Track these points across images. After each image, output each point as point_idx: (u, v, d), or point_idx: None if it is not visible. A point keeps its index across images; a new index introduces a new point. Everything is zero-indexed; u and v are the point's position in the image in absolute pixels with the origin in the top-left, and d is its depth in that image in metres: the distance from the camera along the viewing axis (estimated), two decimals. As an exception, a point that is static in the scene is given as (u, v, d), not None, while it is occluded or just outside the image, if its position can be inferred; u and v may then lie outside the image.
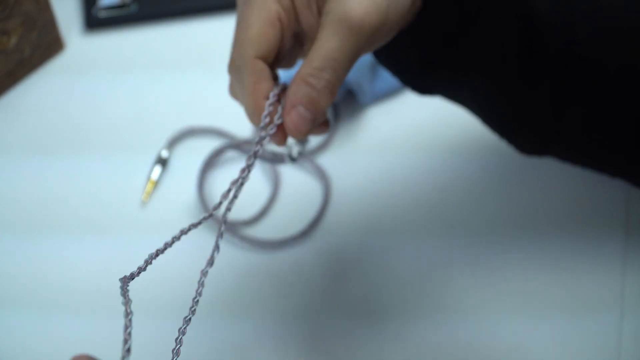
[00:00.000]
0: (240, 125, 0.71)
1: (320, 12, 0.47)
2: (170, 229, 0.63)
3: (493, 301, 0.64)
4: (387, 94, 0.73)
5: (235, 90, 0.49)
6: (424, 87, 0.52)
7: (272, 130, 0.46)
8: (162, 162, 0.70)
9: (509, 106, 0.50)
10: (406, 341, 0.63)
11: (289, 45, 0.48)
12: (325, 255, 0.66)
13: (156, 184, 0.70)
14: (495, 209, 0.68)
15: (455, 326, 0.64)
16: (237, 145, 0.70)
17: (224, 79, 0.74)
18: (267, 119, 0.46)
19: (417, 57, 0.50)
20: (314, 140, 0.71)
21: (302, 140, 0.52)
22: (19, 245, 0.68)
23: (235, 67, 0.47)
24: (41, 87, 0.75)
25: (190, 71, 0.76)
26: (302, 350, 0.63)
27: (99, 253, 0.67)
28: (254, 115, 0.47)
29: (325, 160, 0.70)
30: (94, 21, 0.78)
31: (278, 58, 0.48)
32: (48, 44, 0.75)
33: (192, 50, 0.77)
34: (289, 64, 0.50)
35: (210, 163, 0.69)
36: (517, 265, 0.66)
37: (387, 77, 0.73)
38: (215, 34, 0.78)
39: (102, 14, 0.78)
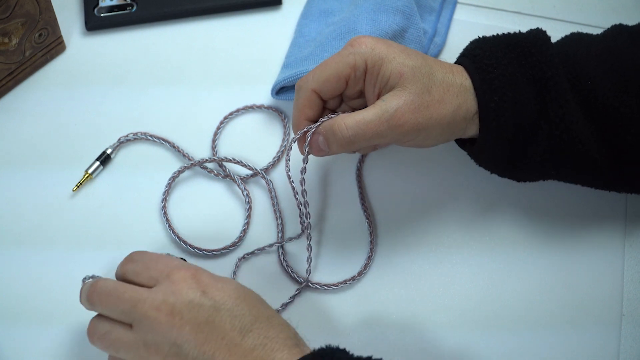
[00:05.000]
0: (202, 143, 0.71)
1: (379, 95, 0.60)
2: (91, 223, 0.65)
3: (492, 301, 0.65)
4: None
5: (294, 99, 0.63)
6: (517, 179, 0.65)
7: (294, 141, 0.63)
8: (105, 159, 0.71)
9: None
10: (398, 347, 0.63)
11: (342, 94, 0.63)
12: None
13: (92, 178, 0.70)
14: (494, 211, 0.68)
15: (455, 325, 0.64)
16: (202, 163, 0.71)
17: (223, 79, 0.75)
18: (299, 135, 0.62)
19: (501, 162, 0.63)
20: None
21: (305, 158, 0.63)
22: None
23: (299, 86, 0.62)
24: (42, 87, 0.75)
25: (190, 72, 0.76)
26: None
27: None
28: (294, 127, 0.63)
29: (328, 157, 0.71)
30: (95, 22, 0.78)
31: (330, 97, 0.62)
32: (49, 45, 0.75)
33: (191, 51, 0.77)
34: (334, 103, 0.64)
35: (173, 178, 0.70)
36: (516, 267, 0.66)
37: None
38: (214, 35, 0.78)
39: (103, 15, 0.78)
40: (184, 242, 0.67)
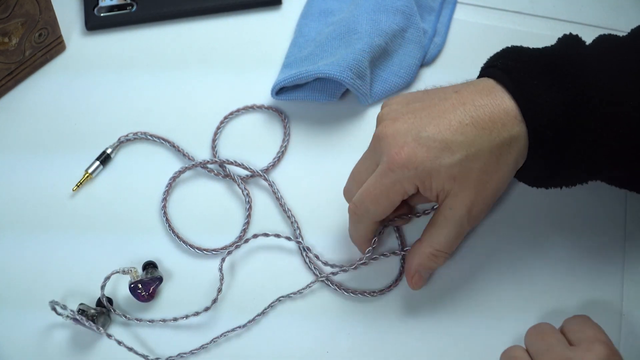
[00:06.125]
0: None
1: (438, 197, 0.59)
2: (92, 223, 0.65)
3: (492, 302, 0.65)
4: (386, 95, 0.74)
5: (351, 226, 0.64)
6: (550, 186, 0.62)
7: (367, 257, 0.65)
8: (105, 159, 0.71)
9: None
10: (415, 336, 0.63)
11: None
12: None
13: (92, 177, 0.70)
14: (501, 206, 0.68)
15: (453, 325, 0.64)
16: (202, 165, 0.71)
17: (223, 80, 0.75)
18: (368, 254, 0.65)
19: (540, 178, 0.61)
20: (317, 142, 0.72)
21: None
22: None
23: (357, 214, 0.61)
24: (42, 87, 0.75)
25: (190, 72, 0.76)
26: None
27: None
28: (359, 248, 0.65)
29: (327, 157, 0.71)
30: (95, 22, 0.78)
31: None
32: (49, 45, 0.75)
33: (192, 51, 0.77)
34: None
35: (174, 179, 0.70)
36: (516, 266, 0.66)
37: (385, 79, 0.73)
38: (214, 35, 0.78)
39: (103, 15, 0.78)
40: (184, 241, 0.67)
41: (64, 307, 0.62)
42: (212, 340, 0.63)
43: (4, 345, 0.63)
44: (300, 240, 0.67)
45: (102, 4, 0.78)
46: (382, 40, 0.72)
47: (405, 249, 0.66)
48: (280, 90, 0.73)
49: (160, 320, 0.64)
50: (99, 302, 0.64)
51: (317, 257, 0.66)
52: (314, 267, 0.66)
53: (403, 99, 0.61)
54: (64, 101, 0.75)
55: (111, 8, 0.78)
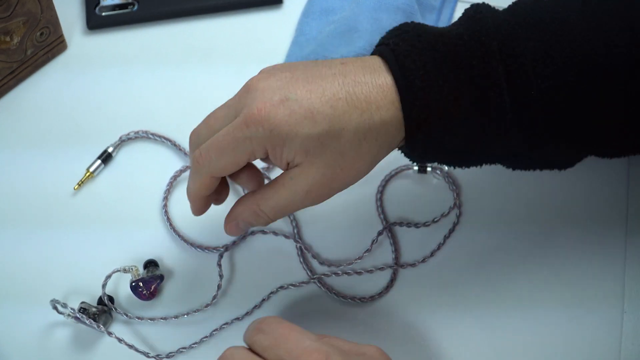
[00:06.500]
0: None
1: (287, 166, 0.55)
2: (93, 222, 0.65)
3: (495, 296, 0.65)
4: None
5: (191, 175, 0.59)
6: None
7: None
8: (106, 157, 0.71)
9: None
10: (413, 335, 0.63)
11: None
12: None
13: (93, 176, 0.70)
14: (498, 205, 0.68)
15: (455, 320, 0.64)
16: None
17: (224, 79, 0.76)
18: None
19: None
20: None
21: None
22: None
23: (195, 168, 0.57)
24: (43, 86, 0.75)
25: (191, 71, 0.76)
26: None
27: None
28: (192, 204, 0.60)
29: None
30: (96, 21, 0.78)
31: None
32: (50, 44, 0.75)
33: (193, 50, 0.78)
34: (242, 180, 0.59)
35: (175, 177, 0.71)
36: (518, 262, 0.66)
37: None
38: (215, 34, 0.78)
39: (104, 14, 0.78)
40: (185, 240, 0.67)
41: (65, 306, 0.62)
42: (211, 332, 0.63)
43: (5, 343, 0.63)
44: (297, 238, 0.67)
45: (103, 3, 0.78)
46: (383, 38, 0.72)
47: (400, 263, 0.66)
48: (281, 89, 0.73)
49: (161, 318, 0.64)
50: (100, 301, 0.64)
51: (314, 256, 0.66)
52: (307, 268, 0.66)
53: (293, 62, 0.57)
54: (65, 100, 0.75)
55: (113, 7, 0.79)
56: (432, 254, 0.66)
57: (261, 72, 0.56)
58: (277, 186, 0.56)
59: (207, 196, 0.59)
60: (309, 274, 0.66)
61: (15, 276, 0.66)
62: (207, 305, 0.64)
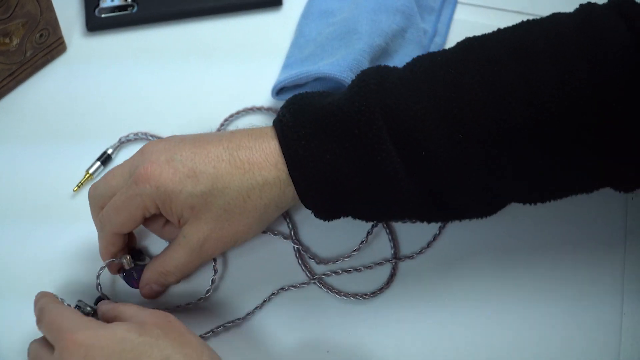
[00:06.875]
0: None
1: (179, 222, 0.60)
2: (91, 224, 0.64)
3: (489, 303, 0.65)
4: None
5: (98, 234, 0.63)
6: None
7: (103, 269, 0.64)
8: (105, 159, 0.71)
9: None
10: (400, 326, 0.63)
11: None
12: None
13: (93, 178, 0.70)
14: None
15: (454, 315, 0.64)
16: None
17: (224, 81, 0.76)
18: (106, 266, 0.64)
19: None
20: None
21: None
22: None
23: (99, 226, 0.62)
24: (43, 87, 0.75)
25: (190, 73, 0.76)
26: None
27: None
28: (103, 260, 0.63)
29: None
30: (96, 22, 0.78)
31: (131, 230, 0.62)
32: (50, 45, 0.75)
33: (192, 52, 0.78)
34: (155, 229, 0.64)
35: None
36: (513, 269, 0.66)
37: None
38: (215, 36, 0.78)
39: (104, 16, 0.78)
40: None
41: (62, 302, 0.62)
42: (210, 330, 0.63)
43: (1, 340, 0.63)
44: (295, 240, 0.67)
45: (102, 4, 0.79)
46: (382, 40, 0.72)
47: (399, 256, 0.66)
48: (280, 91, 0.73)
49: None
50: (98, 301, 0.64)
51: (312, 257, 0.66)
52: (307, 269, 0.66)
53: (188, 134, 0.62)
54: (64, 101, 0.75)
55: (112, 9, 0.79)
56: (428, 245, 0.67)
57: (157, 139, 0.62)
58: (174, 246, 0.61)
59: (117, 252, 0.63)
60: (309, 275, 0.66)
61: (13, 273, 0.67)
62: (200, 299, 0.65)
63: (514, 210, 0.68)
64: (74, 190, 0.70)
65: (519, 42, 0.57)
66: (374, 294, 0.65)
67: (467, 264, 0.66)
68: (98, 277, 0.64)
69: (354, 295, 0.65)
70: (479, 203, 0.60)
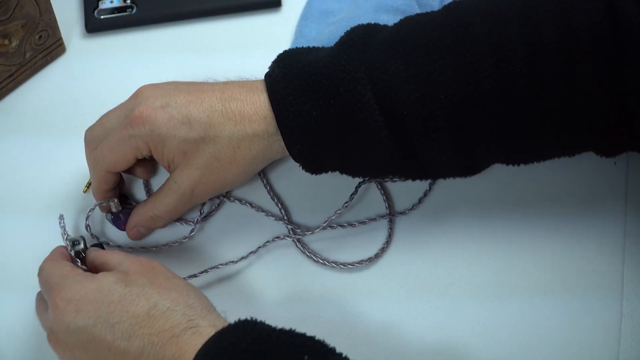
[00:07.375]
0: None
1: (169, 166, 0.62)
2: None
3: (493, 285, 0.65)
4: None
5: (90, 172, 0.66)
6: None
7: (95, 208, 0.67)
8: None
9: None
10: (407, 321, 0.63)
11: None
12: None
13: None
14: (496, 194, 0.68)
15: (454, 306, 0.64)
16: None
17: (223, 80, 0.75)
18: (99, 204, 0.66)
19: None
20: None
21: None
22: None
23: (92, 165, 0.64)
24: (42, 89, 0.76)
25: (190, 74, 0.76)
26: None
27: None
28: (96, 199, 0.66)
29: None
30: (95, 24, 0.78)
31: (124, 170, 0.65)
32: (49, 47, 0.75)
33: (192, 53, 0.78)
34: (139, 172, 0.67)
35: None
36: (515, 267, 0.66)
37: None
38: (214, 37, 0.78)
39: (103, 17, 0.78)
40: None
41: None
42: (200, 272, 0.65)
43: (2, 332, 0.64)
44: (287, 221, 0.68)
45: (102, 6, 0.79)
46: (381, 40, 0.72)
47: (394, 213, 0.67)
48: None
49: (140, 247, 0.67)
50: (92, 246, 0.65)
51: (305, 230, 0.67)
52: (305, 249, 0.67)
53: (181, 81, 0.64)
54: (64, 103, 0.75)
55: (111, 10, 0.79)
56: (420, 201, 0.68)
57: (151, 84, 0.64)
58: (165, 191, 0.63)
59: (109, 190, 0.65)
60: (298, 231, 0.67)
61: (15, 264, 0.67)
62: (185, 238, 0.66)
63: (512, 210, 0.68)
64: (83, 192, 0.70)
65: (495, 6, 0.58)
66: (377, 255, 0.66)
67: (456, 220, 0.67)
68: (87, 218, 0.66)
69: (352, 264, 0.66)
70: (455, 164, 0.61)
